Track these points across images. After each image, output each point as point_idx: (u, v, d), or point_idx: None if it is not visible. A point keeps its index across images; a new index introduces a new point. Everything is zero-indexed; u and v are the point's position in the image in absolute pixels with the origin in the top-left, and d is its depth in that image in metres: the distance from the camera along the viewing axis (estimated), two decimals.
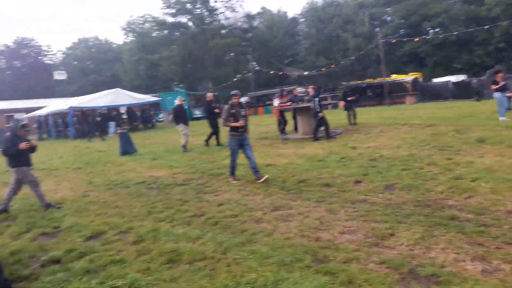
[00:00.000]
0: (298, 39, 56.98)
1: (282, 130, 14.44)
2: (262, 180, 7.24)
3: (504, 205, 4.83)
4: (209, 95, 14.15)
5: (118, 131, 14.46)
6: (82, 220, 5.93)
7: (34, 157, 15.32)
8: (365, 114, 20.19)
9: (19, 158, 6.79)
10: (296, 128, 14.79)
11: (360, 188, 6.29)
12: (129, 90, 32.15)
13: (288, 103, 14.00)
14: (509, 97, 12.66)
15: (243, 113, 7.54)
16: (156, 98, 30.48)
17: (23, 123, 7.21)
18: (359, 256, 3.83)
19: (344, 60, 38.76)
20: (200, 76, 47.31)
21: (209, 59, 45.85)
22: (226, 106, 7.64)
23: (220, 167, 9.28)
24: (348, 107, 16.14)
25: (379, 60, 34.14)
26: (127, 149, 13.45)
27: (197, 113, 36.43)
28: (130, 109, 28.64)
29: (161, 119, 34.31)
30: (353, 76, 36.86)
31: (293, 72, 40.51)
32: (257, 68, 40.70)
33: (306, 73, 38.70)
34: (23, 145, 6.61)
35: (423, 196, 5.51)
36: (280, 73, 40.23)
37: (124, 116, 28.38)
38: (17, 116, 31.76)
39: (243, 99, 40.26)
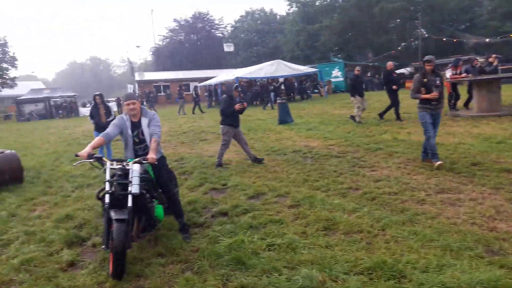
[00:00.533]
0: (479, 1, 49.08)
1: (453, 106, 12.94)
2: (436, 165, 6.17)
3: None
4: (390, 64, 12.70)
5: (278, 101, 15.15)
6: (245, 181, 6.50)
7: (205, 121, 17.32)
8: None
9: (230, 117, 7.62)
10: (466, 104, 13.07)
11: None
12: (288, 61, 33.19)
13: (463, 75, 12.36)
14: None
15: (438, 82, 6.36)
16: (313, 69, 30.70)
17: (236, 85, 8.08)
18: None
19: None
20: (360, 45, 45.51)
21: (371, 27, 43.56)
22: (416, 75, 6.63)
23: (377, 141, 8.92)
24: None
25: None
26: (285, 118, 14.04)
27: None
28: (287, 80, 29.59)
29: (316, 91, 34.58)
30: None
31: (470, 39, 35.20)
32: (425, 35, 36.84)
33: (487, 40, 33.26)
34: (237, 106, 7.44)
35: None
36: (455, 40, 35.53)
37: (282, 87, 29.50)
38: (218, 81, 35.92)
39: (405, 70, 37.29)
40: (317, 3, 50.98)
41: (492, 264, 3.17)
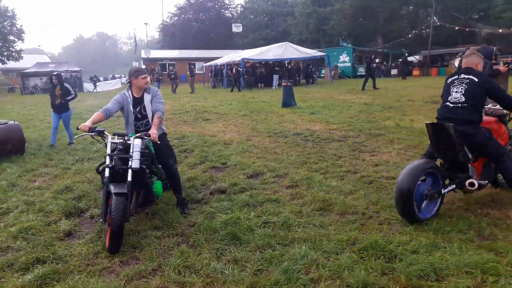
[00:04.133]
0: None
1: None
2: None
3: None
4: None
5: (283, 84, 15.06)
6: (245, 160, 6.54)
7: (208, 101, 17.21)
8: None
9: None
10: None
11: None
12: (296, 44, 32.79)
13: None
14: None
15: None
16: (321, 53, 30.38)
17: (493, 48, 7.56)
18: None
19: None
20: (370, 31, 44.85)
21: (383, 12, 42.78)
22: None
23: (379, 127, 8.91)
24: None
25: None
26: (289, 101, 13.99)
27: (361, 70, 35.13)
28: (294, 63, 29.31)
29: (322, 75, 34.28)
30: None
31: (483, 30, 34.40)
32: (438, 23, 36.10)
33: (500, 31, 32.52)
34: (503, 68, 7.24)
35: None
36: (467, 29, 34.83)
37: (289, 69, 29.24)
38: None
39: (413, 58, 36.81)
40: None
41: (482, 248, 3.21)
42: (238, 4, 65.76)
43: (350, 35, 47.30)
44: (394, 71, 33.26)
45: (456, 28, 34.58)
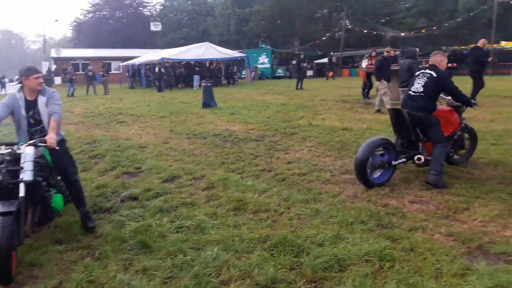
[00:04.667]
0: None
1: (366, 94, 13.76)
2: None
3: None
4: (483, 42, 11.16)
5: (203, 84, 14.93)
6: (161, 164, 6.34)
7: (124, 103, 16.46)
8: (462, 83, 18.32)
9: None
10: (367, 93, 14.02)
11: None
12: (217, 44, 32.76)
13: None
14: None
15: None
16: (241, 54, 30.70)
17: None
18: (426, 226, 3.68)
19: (448, 23, 34.83)
20: (287, 33, 46.40)
21: (300, 15, 44.49)
22: None
23: (294, 126, 9.24)
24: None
25: (490, 24, 30.04)
26: (209, 102, 13.92)
27: (280, 72, 36.18)
28: (214, 63, 29.25)
29: (243, 76, 34.69)
30: (456, 41, 32.96)
31: (387, 33, 37.48)
32: (349, 26, 38.48)
33: (402, 34, 35.70)
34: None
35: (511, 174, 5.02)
36: (374, 32, 37.62)
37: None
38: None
39: (332, 58, 38.72)
40: None
41: (380, 236, 3.46)
42: (157, 3, 63.70)
43: (269, 37, 48.50)
44: (309, 72, 34.72)
45: (365, 31, 37.16)
